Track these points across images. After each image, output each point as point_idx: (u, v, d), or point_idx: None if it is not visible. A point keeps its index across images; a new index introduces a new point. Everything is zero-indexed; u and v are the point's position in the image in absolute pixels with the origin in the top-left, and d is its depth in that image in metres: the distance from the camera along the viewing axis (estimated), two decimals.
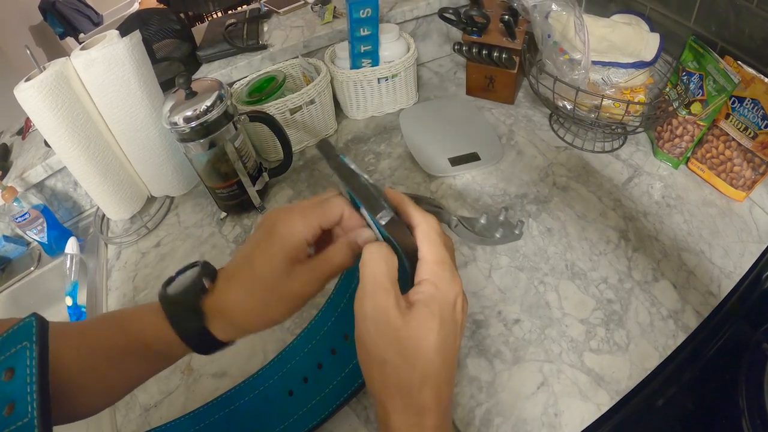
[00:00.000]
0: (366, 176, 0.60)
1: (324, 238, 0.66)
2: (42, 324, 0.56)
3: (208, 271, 0.65)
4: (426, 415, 0.52)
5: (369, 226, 0.64)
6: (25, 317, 0.56)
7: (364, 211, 0.63)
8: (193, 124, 1.13)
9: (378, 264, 0.55)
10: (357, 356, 0.56)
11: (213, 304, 0.63)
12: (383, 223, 0.53)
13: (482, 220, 0.80)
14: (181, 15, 1.84)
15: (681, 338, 0.94)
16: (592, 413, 0.86)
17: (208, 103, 1.13)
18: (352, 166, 0.61)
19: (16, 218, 1.33)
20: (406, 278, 0.58)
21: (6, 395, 0.50)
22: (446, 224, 0.70)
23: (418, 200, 0.66)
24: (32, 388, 0.50)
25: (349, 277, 0.86)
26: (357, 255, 0.63)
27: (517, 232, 0.80)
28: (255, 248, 0.63)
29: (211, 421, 0.89)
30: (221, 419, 0.89)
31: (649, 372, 0.90)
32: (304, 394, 0.88)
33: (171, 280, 0.66)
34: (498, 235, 0.78)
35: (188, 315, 0.62)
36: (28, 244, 1.51)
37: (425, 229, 0.57)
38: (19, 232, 1.43)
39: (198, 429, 0.88)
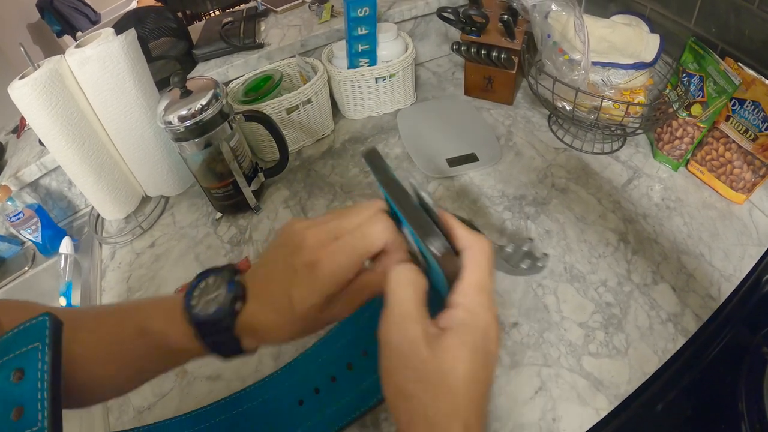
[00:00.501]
0: (425, 194, 0.57)
1: None
2: (55, 325, 0.53)
3: (239, 294, 0.62)
4: None
5: (408, 241, 0.61)
6: (38, 315, 0.53)
7: (405, 229, 0.59)
8: (188, 123, 1.12)
9: (405, 290, 0.53)
10: (382, 385, 0.53)
11: (245, 324, 0.60)
12: (437, 254, 0.51)
13: (508, 248, 0.83)
14: (179, 14, 1.83)
15: (680, 342, 0.93)
16: (591, 418, 0.85)
17: (203, 102, 1.12)
18: (411, 182, 0.59)
19: (10, 217, 1.32)
20: (439, 299, 0.56)
21: (14, 398, 0.48)
22: None
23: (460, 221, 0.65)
24: (44, 395, 0.48)
25: None
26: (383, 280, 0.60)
27: (540, 264, 0.83)
28: (295, 282, 0.59)
29: (215, 422, 0.88)
30: (226, 421, 0.88)
31: (648, 376, 0.89)
32: (314, 405, 0.87)
33: (194, 288, 0.63)
34: (524, 267, 0.82)
35: (221, 334, 0.60)
36: (23, 243, 1.50)
37: (476, 253, 0.55)
38: (13, 231, 1.42)
39: (200, 429, 0.87)
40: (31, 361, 0.50)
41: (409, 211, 0.54)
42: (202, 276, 0.64)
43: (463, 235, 0.56)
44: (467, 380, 0.49)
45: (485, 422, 0.51)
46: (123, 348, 0.64)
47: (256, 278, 0.63)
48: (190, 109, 1.11)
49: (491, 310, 0.53)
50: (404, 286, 0.53)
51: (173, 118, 1.11)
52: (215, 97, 1.14)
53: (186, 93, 1.14)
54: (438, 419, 0.48)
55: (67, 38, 4.46)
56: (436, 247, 0.51)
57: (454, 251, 0.55)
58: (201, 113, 1.12)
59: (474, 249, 0.55)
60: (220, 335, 0.60)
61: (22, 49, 1.18)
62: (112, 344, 0.64)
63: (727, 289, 1.01)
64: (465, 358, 0.49)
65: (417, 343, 0.50)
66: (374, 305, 0.85)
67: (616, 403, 0.86)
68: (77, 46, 1.20)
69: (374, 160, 0.60)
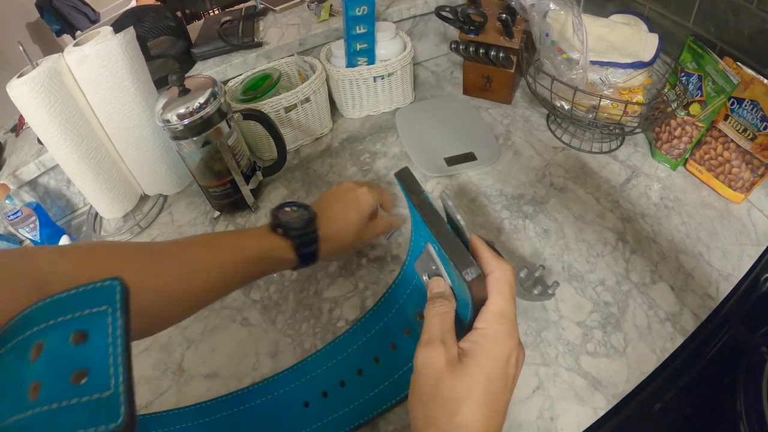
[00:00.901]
0: (459, 217, 0.60)
1: None
2: (126, 291, 0.50)
3: (313, 217, 0.95)
4: None
5: (432, 259, 0.66)
6: (106, 279, 0.50)
7: (431, 248, 0.66)
8: (186, 121, 1.11)
9: (434, 320, 0.60)
10: (409, 394, 0.59)
11: (320, 235, 0.94)
12: (468, 279, 0.53)
13: (521, 274, 0.89)
14: (178, 13, 1.83)
15: (679, 341, 0.93)
16: (588, 417, 0.85)
17: (201, 100, 1.11)
18: (448, 203, 0.62)
19: (9, 216, 1.32)
20: (464, 321, 0.61)
21: (75, 361, 0.45)
22: None
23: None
24: (117, 360, 0.44)
25: (386, 304, 0.94)
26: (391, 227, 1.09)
27: (550, 292, 0.88)
28: (348, 208, 0.99)
29: (217, 418, 0.88)
30: (228, 418, 0.88)
31: (646, 375, 0.89)
32: (321, 408, 0.87)
33: (282, 210, 0.95)
34: (536, 292, 0.87)
35: (309, 244, 0.93)
36: (21, 242, 1.50)
37: (499, 279, 0.59)
38: (12, 230, 1.42)
39: (203, 423, 0.87)
40: (98, 324, 0.47)
41: (443, 236, 0.57)
42: (281, 207, 0.96)
43: (488, 259, 0.61)
44: (481, 403, 0.53)
45: None
46: (209, 267, 0.81)
47: (327, 209, 0.98)
48: (188, 107, 1.10)
49: (513, 338, 0.57)
50: (432, 317, 0.61)
51: (171, 116, 1.11)
52: (213, 95, 1.14)
53: (184, 91, 1.13)
54: (450, 430, 0.53)
55: (66, 37, 4.45)
56: (469, 274, 0.53)
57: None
58: (199, 111, 1.11)
59: (497, 275, 0.59)
60: (309, 247, 0.93)
61: (20, 47, 1.18)
62: (196, 265, 0.80)
63: (726, 288, 1.01)
64: (481, 382, 0.54)
65: (439, 369, 0.55)
66: (386, 317, 0.86)
67: (614, 403, 0.86)
68: (76, 45, 1.19)
69: (408, 182, 0.63)
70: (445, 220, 0.60)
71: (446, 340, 0.57)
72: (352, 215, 0.98)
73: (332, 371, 0.90)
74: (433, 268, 0.68)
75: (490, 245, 0.66)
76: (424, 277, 0.73)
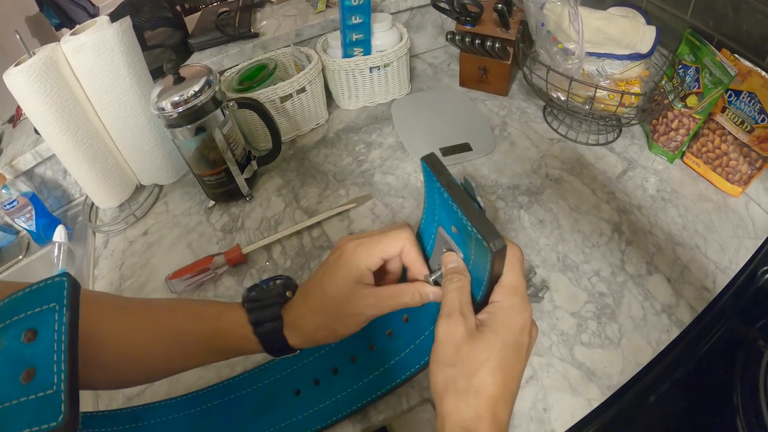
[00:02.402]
0: (479, 198, 0.61)
1: (388, 267, 0.74)
2: (74, 286, 0.52)
3: (290, 285, 0.79)
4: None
5: (446, 241, 0.67)
6: (55, 275, 0.52)
7: (443, 231, 0.67)
8: (181, 109, 1.11)
9: (455, 294, 0.62)
10: (430, 358, 0.61)
11: (288, 315, 0.74)
12: (494, 249, 0.55)
13: None
14: (177, 7, 1.82)
15: (675, 333, 0.93)
16: (582, 408, 0.85)
17: (196, 88, 1.11)
18: (467, 186, 0.62)
19: (5, 205, 1.32)
20: (479, 297, 0.62)
21: (25, 359, 0.46)
22: None
23: None
24: (61, 357, 0.46)
25: None
26: (422, 301, 0.70)
27: (541, 295, 0.89)
28: (326, 272, 0.73)
29: (210, 407, 0.88)
30: (220, 406, 0.88)
31: (641, 367, 0.89)
32: (312, 396, 0.87)
33: (255, 287, 0.81)
34: (528, 293, 0.86)
35: (269, 320, 0.73)
36: (17, 232, 1.50)
37: (511, 257, 0.61)
38: (8, 220, 1.42)
39: (196, 411, 0.87)
40: (45, 322, 0.48)
41: (472, 211, 0.57)
42: (271, 279, 0.83)
43: None
44: (494, 370, 0.55)
45: (510, 407, 0.57)
46: (177, 335, 0.74)
47: (306, 283, 0.77)
48: (182, 95, 1.10)
49: (526, 310, 0.60)
50: (457, 289, 0.62)
51: (166, 104, 1.11)
52: (208, 83, 1.13)
53: (179, 79, 1.13)
54: (468, 390, 0.55)
55: (65, 31, 4.45)
56: (496, 245, 0.54)
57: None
58: (194, 99, 1.11)
59: (509, 253, 0.60)
60: (269, 324, 0.73)
61: (17, 36, 1.18)
62: (163, 329, 0.74)
63: (723, 281, 1.01)
64: (495, 352, 0.56)
65: (459, 337, 0.58)
66: None
67: (609, 394, 0.86)
68: (72, 34, 1.19)
69: (435, 165, 0.63)
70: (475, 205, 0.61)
71: (465, 311, 0.60)
72: (333, 281, 0.71)
73: (325, 358, 0.89)
74: (445, 251, 0.68)
75: None
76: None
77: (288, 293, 0.78)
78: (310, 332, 0.74)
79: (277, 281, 0.80)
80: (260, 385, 0.89)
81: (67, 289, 0.50)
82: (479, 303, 0.62)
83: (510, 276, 0.61)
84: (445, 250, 0.68)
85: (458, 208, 0.58)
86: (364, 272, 0.70)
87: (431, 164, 0.63)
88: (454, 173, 0.60)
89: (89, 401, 0.98)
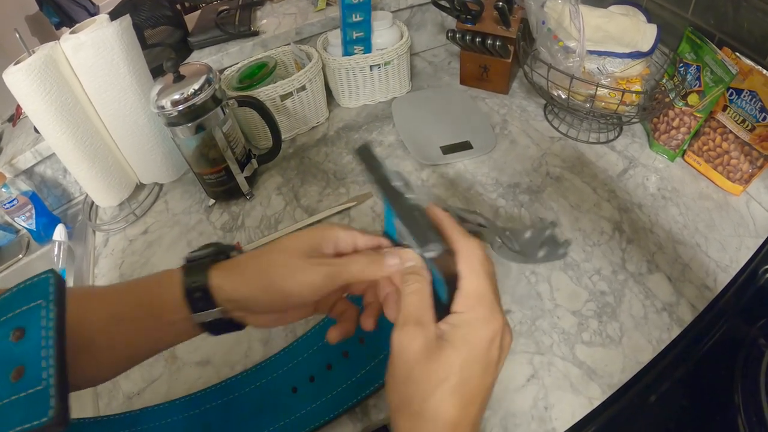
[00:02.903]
0: (411, 195, 0.57)
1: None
2: (60, 282, 0.52)
3: (231, 247, 0.69)
4: None
5: (405, 237, 0.61)
6: (41, 273, 0.52)
7: (399, 224, 0.61)
8: (181, 107, 1.11)
9: (411, 300, 0.56)
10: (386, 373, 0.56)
11: (222, 266, 0.63)
12: (428, 257, 0.52)
13: (527, 234, 0.76)
14: (177, 6, 1.82)
15: (676, 332, 0.93)
16: (583, 407, 0.85)
17: (196, 86, 1.11)
18: (396, 184, 0.58)
19: (5, 204, 1.32)
20: (445, 297, 0.57)
21: (14, 358, 0.46)
22: (489, 244, 0.68)
23: (462, 218, 0.65)
24: (49, 353, 0.46)
25: None
26: (377, 271, 0.62)
27: (561, 251, 0.78)
28: (282, 238, 0.66)
29: (208, 408, 0.88)
30: (219, 407, 0.88)
31: (642, 366, 0.89)
32: (309, 393, 0.87)
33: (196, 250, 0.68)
34: (541, 254, 0.77)
35: (197, 271, 0.62)
36: (17, 231, 1.50)
37: (467, 257, 0.56)
38: (8, 219, 1.42)
39: (194, 414, 0.87)
40: (33, 319, 0.48)
41: (404, 212, 0.54)
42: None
43: (454, 237, 0.57)
44: (454, 390, 0.50)
45: (477, 427, 0.53)
46: (133, 318, 0.63)
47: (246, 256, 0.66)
48: (182, 93, 1.10)
49: (494, 320, 0.53)
50: (407, 295, 0.56)
51: (166, 102, 1.11)
52: (208, 81, 1.13)
53: (179, 78, 1.13)
54: (422, 413, 0.50)
55: (65, 30, 4.45)
56: (429, 251, 0.51)
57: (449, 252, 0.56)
58: (193, 97, 1.11)
59: (464, 252, 0.56)
60: (195, 276, 0.61)
61: (17, 34, 1.17)
62: (120, 314, 0.63)
63: (724, 279, 1.01)
64: (456, 369, 0.51)
65: (414, 351, 0.52)
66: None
67: (610, 393, 0.86)
68: (72, 32, 1.19)
69: (367, 158, 0.59)
70: (408, 201, 0.58)
71: (422, 320, 0.54)
72: (281, 244, 0.65)
73: (318, 354, 0.90)
74: (406, 243, 0.65)
75: (474, 219, 0.66)
76: None
77: (233, 253, 0.68)
78: (240, 290, 0.62)
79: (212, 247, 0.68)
80: (258, 385, 0.90)
81: (53, 285, 0.50)
82: (446, 305, 0.56)
83: (473, 282, 0.55)
84: (406, 243, 0.62)
85: (391, 208, 0.56)
86: (325, 240, 0.65)
87: (364, 159, 0.59)
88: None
89: (88, 401, 0.98)
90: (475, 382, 0.52)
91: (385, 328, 0.83)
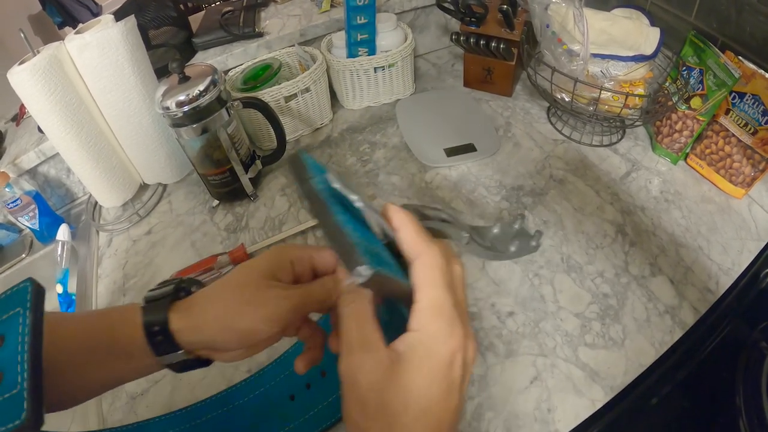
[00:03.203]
0: (360, 203, 0.50)
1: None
2: (38, 290, 0.53)
3: (192, 282, 0.67)
4: None
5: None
6: (21, 282, 0.52)
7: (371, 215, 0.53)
8: (186, 108, 1.12)
9: (350, 323, 0.50)
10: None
11: (181, 306, 0.61)
12: (358, 283, 0.43)
13: (495, 230, 0.75)
14: (181, 6, 1.83)
15: (678, 334, 0.93)
16: (586, 409, 0.85)
17: (201, 87, 1.12)
18: (336, 186, 0.51)
19: (8, 204, 1.33)
20: (400, 321, 0.51)
21: None
22: (455, 242, 0.65)
23: (424, 216, 0.60)
24: (24, 357, 0.47)
25: None
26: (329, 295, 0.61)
27: (534, 243, 0.76)
28: (236, 269, 0.63)
29: (208, 419, 0.88)
30: (219, 417, 0.88)
31: (645, 368, 0.89)
32: (305, 400, 0.87)
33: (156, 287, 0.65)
34: (513, 249, 0.75)
35: (156, 312, 0.60)
36: (21, 231, 1.50)
37: (427, 266, 0.49)
38: (11, 218, 1.42)
39: (194, 425, 0.87)
40: (12, 326, 0.49)
41: (329, 232, 0.47)
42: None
43: (413, 243, 0.51)
44: (418, 415, 0.45)
45: None
46: (95, 349, 0.61)
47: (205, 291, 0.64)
48: (187, 94, 1.11)
49: (454, 336, 0.48)
50: (345, 318, 0.51)
51: (171, 103, 1.11)
52: (213, 83, 1.14)
53: (184, 79, 1.14)
54: None
55: (68, 30, 4.45)
56: (354, 274, 0.43)
57: (399, 264, 0.51)
58: (198, 99, 1.12)
59: (424, 261, 0.50)
60: (154, 314, 0.60)
61: (21, 34, 1.18)
62: (84, 343, 0.61)
63: (726, 282, 1.01)
64: (417, 395, 0.46)
65: (366, 381, 0.47)
66: None
67: (613, 395, 0.86)
68: (77, 32, 1.20)
69: (295, 169, 0.53)
70: (357, 200, 0.50)
71: (367, 343, 0.48)
72: (238, 273, 0.63)
73: None
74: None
75: (439, 215, 0.62)
76: None
77: (193, 288, 0.66)
78: (201, 322, 0.60)
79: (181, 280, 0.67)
80: (258, 392, 0.90)
81: (30, 293, 0.51)
82: (406, 318, 0.50)
83: (429, 294, 0.48)
84: None
85: (320, 224, 0.48)
86: (282, 264, 0.63)
87: (293, 169, 0.52)
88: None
89: (92, 404, 0.98)
90: (438, 407, 0.47)
91: None
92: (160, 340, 0.59)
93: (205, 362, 0.65)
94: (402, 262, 0.51)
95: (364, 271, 0.42)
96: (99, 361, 0.61)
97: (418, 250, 0.50)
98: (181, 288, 0.65)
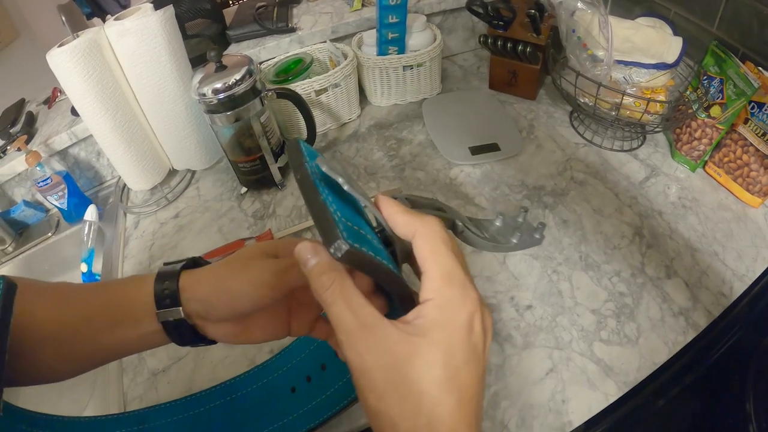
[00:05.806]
0: (341, 179, 0.48)
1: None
2: (8, 287, 0.55)
3: (201, 259, 0.69)
4: None
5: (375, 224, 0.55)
6: None
7: (369, 211, 0.53)
8: (221, 96, 1.15)
9: (338, 306, 0.46)
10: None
11: (191, 271, 0.64)
12: (337, 257, 0.41)
13: (497, 222, 0.74)
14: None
15: (691, 335, 0.94)
16: (599, 402, 0.87)
17: (237, 76, 1.15)
18: (334, 177, 0.48)
19: (38, 182, 1.35)
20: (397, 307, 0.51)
21: None
22: (451, 230, 0.65)
23: (418, 204, 0.61)
24: None
25: None
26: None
27: (537, 236, 0.74)
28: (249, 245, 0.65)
29: (212, 407, 0.89)
30: (222, 406, 0.89)
31: (658, 366, 0.91)
32: (306, 393, 0.88)
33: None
34: (515, 240, 0.72)
35: (169, 275, 0.63)
36: (47, 210, 1.53)
37: (427, 236, 0.48)
38: (40, 197, 1.45)
39: (198, 413, 0.88)
40: None
41: (314, 210, 0.46)
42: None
43: (407, 220, 0.50)
44: (442, 385, 0.42)
45: (477, 424, 0.44)
46: (92, 318, 0.63)
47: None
48: (224, 82, 1.14)
49: (469, 298, 0.46)
50: (332, 303, 0.46)
51: (207, 90, 1.15)
52: (249, 73, 1.17)
53: (221, 67, 1.17)
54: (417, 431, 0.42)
55: (96, 21, 4.46)
56: (336, 250, 0.42)
57: (391, 245, 0.51)
58: (234, 87, 1.15)
59: (422, 231, 0.48)
60: (166, 281, 0.62)
61: (62, 18, 1.21)
62: (80, 312, 0.63)
63: (740, 288, 1.02)
64: (438, 361, 0.43)
65: (382, 360, 0.43)
66: None
67: (626, 390, 0.88)
68: (116, 19, 1.23)
69: (291, 156, 0.52)
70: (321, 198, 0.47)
71: (366, 322, 0.45)
72: (239, 253, 0.65)
73: (313, 355, 0.91)
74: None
75: (431, 204, 0.63)
76: None
77: (200, 260, 0.69)
78: (200, 280, 0.63)
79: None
80: (261, 384, 0.91)
81: (1, 290, 0.55)
82: (397, 309, 0.50)
83: (437, 263, 0.47)
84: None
85: (308, 208, 0.47)
86: (277, 249, 0.65)
87: (291, 155, 0.53)
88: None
89: (114, 377, 1.01)
90: (464, 374, 0.44)
91: None
92: (166, 294, 0.62)
93: (202, 338, 0.66)
94: (395, 257, 0.52)
95: (342, 245, 0.41)
96: (107, 326, 0.63)
97: (413, 226, 0.49)
98: (197, 262, 0.68)
